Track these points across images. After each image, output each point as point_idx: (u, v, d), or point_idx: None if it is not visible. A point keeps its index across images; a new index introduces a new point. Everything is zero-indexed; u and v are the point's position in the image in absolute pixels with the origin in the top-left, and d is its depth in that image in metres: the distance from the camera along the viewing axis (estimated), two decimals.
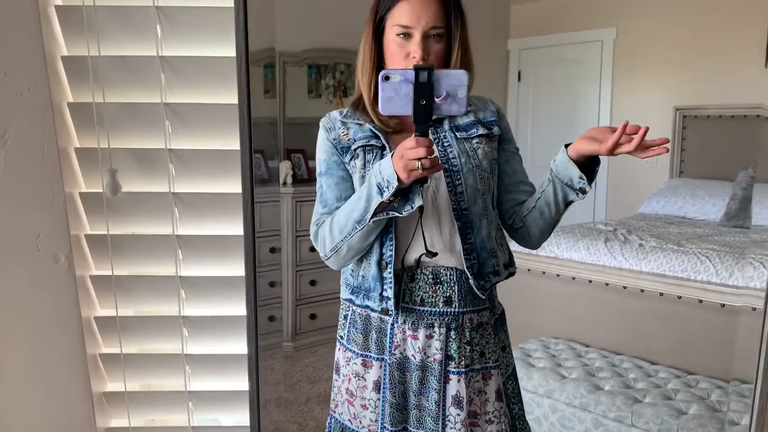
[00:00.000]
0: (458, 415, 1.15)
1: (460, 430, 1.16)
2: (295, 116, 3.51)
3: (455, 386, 1.15)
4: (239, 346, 1.08)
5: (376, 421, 1.18)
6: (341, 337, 1.23)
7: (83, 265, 1.10)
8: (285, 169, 3.39)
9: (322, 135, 1.19)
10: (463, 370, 1.15)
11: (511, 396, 1.27)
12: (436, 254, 1.11)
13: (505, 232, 1.24)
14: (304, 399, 2.92)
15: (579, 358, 2.80)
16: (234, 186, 1.06)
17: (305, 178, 3.34)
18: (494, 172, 1.17)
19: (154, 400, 1.14)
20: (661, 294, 2.71)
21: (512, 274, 1.23)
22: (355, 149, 1.15)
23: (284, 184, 3.40)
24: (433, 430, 1.16)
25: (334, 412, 1.26)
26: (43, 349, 1.09)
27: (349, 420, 1.22)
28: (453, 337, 1.14)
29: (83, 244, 1.10)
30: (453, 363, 1.15)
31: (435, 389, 1.15)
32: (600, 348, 2.90)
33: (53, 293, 1.07)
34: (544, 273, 3.11)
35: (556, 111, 4.45)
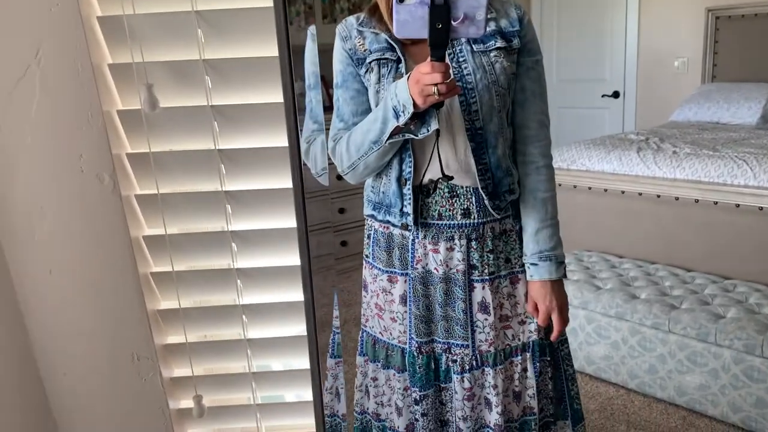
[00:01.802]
0: (486, 319, 1.19)
1: (489, 333, 1.20)
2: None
3: (480, 293, 1.19)
4: (289, 258, 1.09)
5: (405, 332, 1.23)
6: (366, 256, 1.26)
7: (127, 185, 1.10)
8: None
9: (338, 44, 1.17)
10: (487, 277, 1.18)
11: None
12: (452, 178, 1.12)
13: None
14: (342, 322, 3.00)
15: (613, 269, 2.81)
16: (272, 96, 1.04)
17: (326, 105, 3.30)
18: (511, 87, 1.14)
19: (208, 315, 1.17)
20: (697, 201, 2.68)
21: None
22: (370, 62, 1.13)
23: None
24: (462, 336, 1.20)
25: (365, 326, 1.30)
26: (96, 270, 1.11)
27: (380, 333, 1.26)
28: (474, 247, 1.16)
29: (125, 164, 1.09)
30: (476, 272, 1.18)
31: (461, 298, 1.19)
32: (634, 258, 2.90)
33: (100, 214, 1.08)
34: (575, 187, 3.08)
35: (582, 17, 4.29)
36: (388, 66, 1.11)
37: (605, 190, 3.04)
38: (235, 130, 1.07)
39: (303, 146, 1.17)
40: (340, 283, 3.40)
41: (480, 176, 1.12)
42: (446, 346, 1.22)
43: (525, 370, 1.21)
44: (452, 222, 1.15)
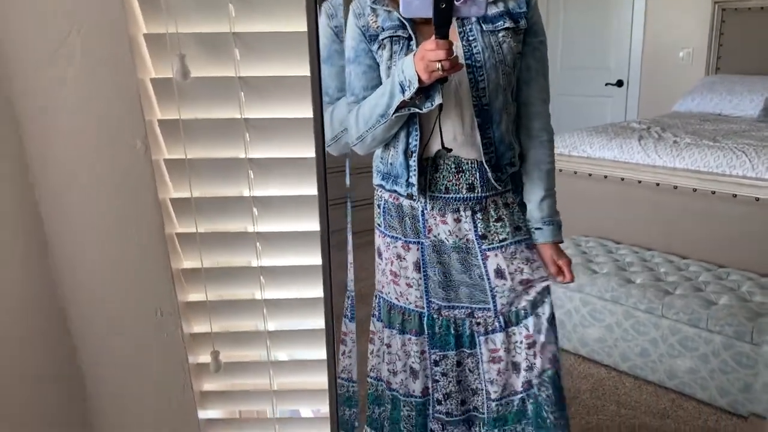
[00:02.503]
0: (503, 284, 1.30)
1: (509, 296, 1.30)
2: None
3: (494, 261, 1.29)
4: (307, 224, 1.18)
5: (421, 297, 1.33)
6: (378, 225, 1.35)
7: (157, 150, 1.19)
8: None
9: (351, 21, 1.25)
10: (498, 245, 1.28)
11: None
12: (450, 150, 1.22)
13: None
14: (344, 298, 3.10)
15: (610, 254, 2.91)
16: (298, 69, 1.12)
17: None
18: (517, 66, 1.23)
19: (228, 275, 1.26)
20: (695, 190, 2.78)
21: None
22: (383, 39, 1.21)
23: None
24: (482, 300, 1.31)
25: (381, 292, 1.39)
26: (125, 228, 1.20)
27: (396, 298, 1.35)
28: (480, 218, 1.27)
29: (156, 130, 1.18)
30: (486, 241, 1.28)
31: (476, 266, 1.29)
32: (631, 245, 3.01)
33: (132, 176, 1.17)
34: (575, 173, 3.18)
35: (588, 5, 4.36)
36: (399, 43, 1.20)
37: (605, 177, 3.13)
38: (260, 100, 1.15)
39: None
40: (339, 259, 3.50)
41: (484, 149, 1.22)
42: (469, 311, 1.32)
43: (544, 322, 1.33)
44: (458, 195, 1.25)
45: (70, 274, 1.25)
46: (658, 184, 2.94)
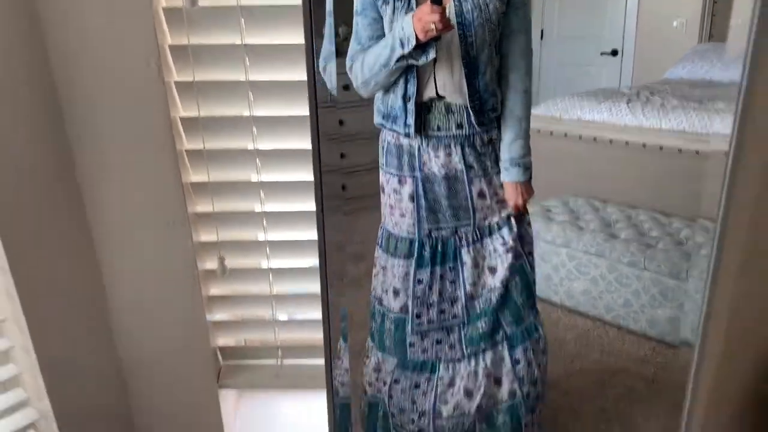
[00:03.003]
0: (483, 202, 1.53)
1: (485, 212, 1.54)
2: None
3: (478, 185, 1.52)
4: (303, 142, 1.35)
5: (413, 225, 1.54)
6: (382, 164, 1.58)
7: (168, 73, 1.36)
8: None
9: None
10: (481, 174, 1.51)
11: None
12: (443, 98, 1.43)
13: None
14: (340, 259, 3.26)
15: (597, 212, 3.06)
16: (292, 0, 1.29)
17: None
18: (501, 23, 1.43)
19: (232, 189, 1.44)
20: (680, 150, 2.91)
21: None
22: None
23: None
24: (466, 218, 1.53)
25: (384, 224, 1.62)
26: (141, 143, 1.38)
27: (392, 227, 1.57)
28: (468, 152, 1.49)
29: (167, 54, 1.35)
30: (473, 171, 1.50)
31: (463, 190, 1.52)
32: (618, 203, 3.15)
33: (146, 94, 1.34)
34: (566, 135, 3.32)
35: None
36: (402, 1, 1.37)
37: (594, 139, 3.26)
38: (260, 27, 1.33)
39: (321, 64, 1.41)
40: (340, 224, 3.66)
41: (470, 96, 1.42)
42: (454, 229, 1.54)
43: (512, 234, 1.54)
44: (448, 133, 1.46)
45: (91, 186, 1.44)
46: (644, 145, 3.06)
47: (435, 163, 1.48)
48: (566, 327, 2.81)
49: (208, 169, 1.44)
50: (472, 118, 1.43)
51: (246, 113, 1.41)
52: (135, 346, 1.60)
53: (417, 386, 1.60)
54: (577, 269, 2.85)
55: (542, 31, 4.14)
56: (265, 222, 1.48)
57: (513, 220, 1.53)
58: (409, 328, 1.58)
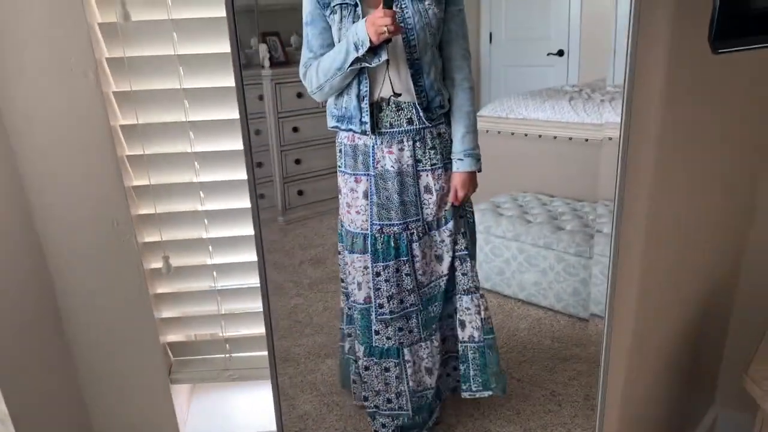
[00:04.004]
0: (429, 198, 1.67)
1: (433, 208, 1.68)
2: (267, 3, 3.75)
3: (425, 180, 1.66)
4: (238, 144, 1.46)
5: (366, 221, 1.68)
6: (339, 166, 1.72)
7: (105, 84, 1.47)
8: (262, 52, 3.66)
9: None
10: (429, 168, 1.65)
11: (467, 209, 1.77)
12: (400, 95, 1.57)
13: None
14: (298, 262, 3.35)
15: (544, 206, 3.21)
16: (222, 11, 1.41)
17: (282, 61, 3.60)
18: (440, 28, 1.58)
19: (173, 191, 1.55)
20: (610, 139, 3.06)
21: None
22: (334, 6, 1.55)
23: (262, 67, 3.68)
24: (415, 214, 1.68)
25: (342, 222, 1.74)
26: (83, 150, 1.47)
27: (349, 224, 1.70)
28: (418, 146, 1.62)
29: (104, 66, 1.46)
30: (421, 164, 1.64)
31: (411, 185, 1.65)
32: (564, 197, 3.30)
33: (86, 105, 1.45)
34: (513, 134, 3.46)
35: None
36: (348, 9, 1.53)
37: (539, 136, 3.40)
38: (191, 39, 1.44)
39: (301, 70, 1.60)
40: (296, 229, 3.76)
41: (417, 94, 1.56)
42: (404, 225, 1.67)
43: (455, 227, 1.70)
44: (400, 129, 1.59)
45: (38, 193, 1.53)
46: (587, 140, 3.21)
47: (388, 159, 1.60)
48: (519, 317, 2.94)
49: (149, 173, 1.55)
50: (421, 114, 1.56)
51: (183, 119, 1.52)
52: (86, 346, 1.69)
53: (387, 370, 1.74)
54: (527, 261, 2.97)
55: (491, 34, 4.30)
56: (206, 221, 1.59)
57: (455, 211, 1.68)
58: (373, 316, 1.71)
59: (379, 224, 1.66)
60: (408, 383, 1.77)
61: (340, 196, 1.71)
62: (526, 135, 3.43)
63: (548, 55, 4.67)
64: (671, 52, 1.24)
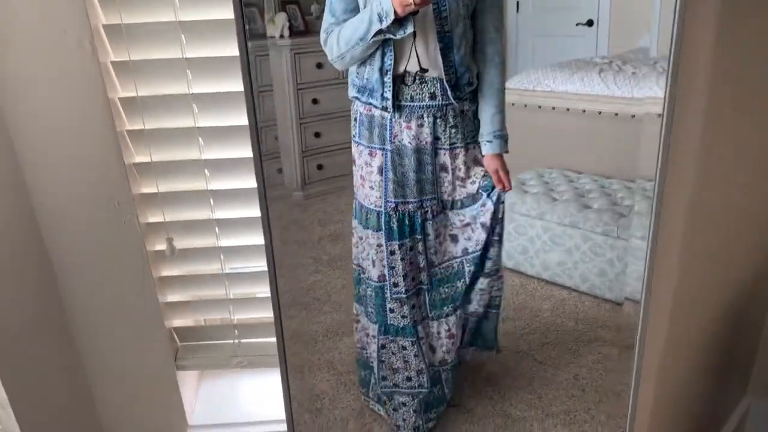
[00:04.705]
0: (446, 176, 1.55)
1: (448, 187, 1.57)
2: None
3: (442, 158, 1.53)
4: (244, 118, 1.33)
5: (380, 197, 1.56)
6: (354, 136, 1.58)
7: (103, 53, 1.34)
8: (281, 21, 3.51)
9: None
10: (447, 147, 1.52)
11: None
12: (427, 71, 1.43)
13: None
14: (317, 238, 3.26)
15: (570, 183, 3.05)
16: None
17: (302, 30, 3.45)
18: None
19: (176, 168, 1.43)
20: (660, 116, 2.89)
21: None
22: None
23: (281, 36, 3.53)
24: (431, 192, 1.56)
25: (356, 195, 1.63)
26: (80, 125, 1.35)
27: (363, 199, 1.59)
28: (439, 123, 1.48)
29: (102, 34, 1.33)
30: (440, 142, 1.51)
31: (429, 163, 1.52)
32: (592, 173, 3.15)
33: (82, 76, 1.32)
34: (540, 107, 3.29)
35: None
36: None
37: (567, 110, 3.25)
38: (194, 4, 1.30)
39: (322, 36, 1.46)
40: (315, 204, 3.66)
41: (445, 70, 1.42)
42: (419, 204, 1.56)
43: (483, 212, 1.57)
44: (422, 103, 1.46)
45: (34, 169, 1.42)
46: (617, 114, 3.05)
47: (406, 134, 1.48)
48: (542, 298, 2.82)
49: (150, 150, 1.42)
50: (449, 92, 1.43)
51: (185, 91, 1.39)
52: (88, 331, 1.60)
53: (404, 348, 1.65)
54: (552, 240, 2.85)
55: (518, 3, 4.11)
56: (212, 200, 1.47)
57: (483, 194, 1.55)
58: (388, 294, 1.60)
59: (394, 201, 1.54)
60: (425, 360, 1.68)
61: (354, 167, 1.59)
62: (553, 108, 3.26)
63: (577, 25, 4.44)
64: (721, 21, 1.08)
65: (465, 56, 1.44)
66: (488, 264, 1.64)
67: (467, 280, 1.65)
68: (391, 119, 1.47)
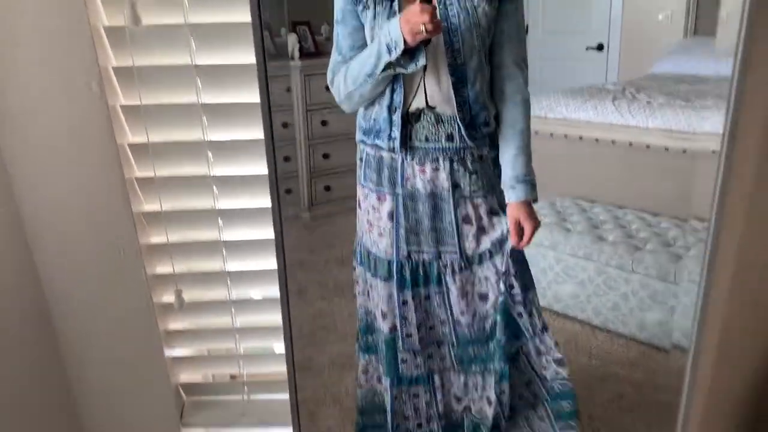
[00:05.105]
0: (469, 229, 1.39)
1: (472, 241, 1.40)
2: None
3: (464, 209, 1.38)
4: (262, 168, 1.23)
5: (391, 245, 1.40)
6: (359, 178, 1.43)
7: (113, 96, 1.23)
8: (291, 42, 3.42)
9: None
10: (468, 195, 1.36)
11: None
12: (434, 108, 1.29)
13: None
14: (323, 261, 3.16)
15: (584, 213, 2.97)
16: (244, 15, 1.16)
17: (312, 52, 3.36)
18: (491, 30, 1.29)
19: (188, 218, 1.32)
20: (667, 149, 2.81)
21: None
22: (367, 1, 1.26)
23: (291, 58, 3.44)
24: (452, 244, 1.40)
25: (362, 240, 1.47)
26: (86, 172, 1.25)
27: (371, 246, 1.44)
28: (456, 168, 1.34)
29: (111, 76, 1.23)
30: (459, 191, 1.36)
31: (449, 212, 1.37)
32: (605, 203, 3.06)
33: (89, 120, 1.22)
34: (551, 135, 3.21)
35: None
36: (383, 4, 1.25)
37: (580, 138, 3.17)
38: (210, 46, 1.20)
39: (329, 76, 1.35)
40: (322, 226, 3.56)
41: (458, 108, 1.28)
42: (437, 254, 1.41)
43: (505, 263, 1.39)
44: (437, 145, 1.32)
45: (35, 218, 1.31)
46: (631, 144, 2.98)
47: (420, 178, 1.34)
48: (554, 331, 2.71)
49: (160, 198, 1.32)
50: (463, 132, 1.29)
51: (200, 137, 1.29)
52: (90, 387, 1.49)
53: (416, 396, 1.53)
54: (565, 272, 2.76)
55: (527, 26, 4.03)
56: (224, 251, 1.36)
57: (506, 246, 1.38)
58: (399, 345, 1.47)
59: (407, 249, 1.40)
60: (438, 407, 1.55)
61: (359, 210, 1.45)
62: (566, 136, 3.18)
63: (587, 49, 4.38)
64: None
65: (480, 93, 1.29)
66: (523, 322, 1.44)
67: (501, 339, 1.44)
68: (402, 161, 1.34)
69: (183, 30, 1.21)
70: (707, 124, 2.75)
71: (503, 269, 1.40)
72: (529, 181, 1.35)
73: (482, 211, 1.38)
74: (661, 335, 2.46)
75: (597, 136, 3.05)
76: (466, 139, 1.30)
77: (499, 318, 1.44)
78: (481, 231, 1.39)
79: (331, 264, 3.17)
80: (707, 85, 3.33)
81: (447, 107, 1.29)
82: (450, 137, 1.31)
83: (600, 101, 3.11)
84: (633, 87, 3.27)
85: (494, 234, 1.40)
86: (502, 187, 1.36)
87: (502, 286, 1.41)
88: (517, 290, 1.41)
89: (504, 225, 1.39)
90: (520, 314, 1.43)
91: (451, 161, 1.33)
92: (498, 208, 1.40)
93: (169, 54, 1.23)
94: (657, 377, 2.41)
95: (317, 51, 3.27)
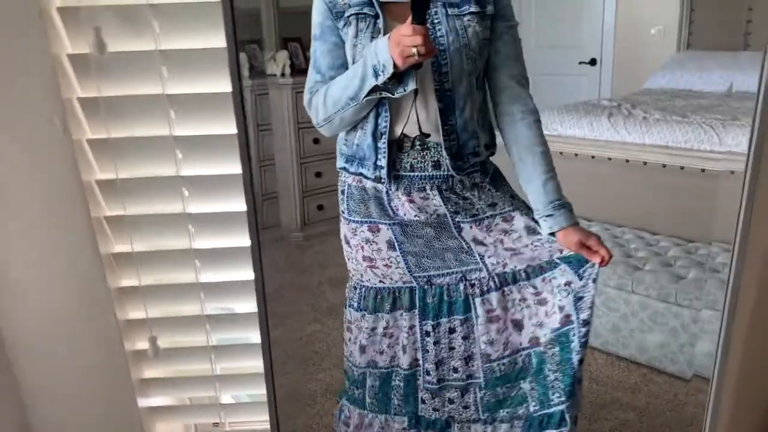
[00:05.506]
0: (486, 250, 1.25)
1: (496, 259, 1.25)
2: (288, 5, 3.43)
3: (470, 232, 1.24)
4: (238, 204, 1.12)
5: (406, 272, 1.28)
6: (343, 212, 1.29)
7: (78, 130, 1.12)
8: (282, 59, 3.32)
9: None
10: (470, 219, 1.23)
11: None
12: (429, 135, 1.17)
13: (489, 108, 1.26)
14: (317, 282, 3.04)
15: None
16: (217, 41, 1.06)
17: (303, 68, 3.26)
18: (483, 52, 1.18)
19: (161, 259, 1.21)
20: (664, 165, 2.73)
21: (492, 154, 1.26)
22: (348, 16, 1.15)
23: (282, 75, 3.35)
24: (473, 263, 1.26)
25: (362, 281, 1.32)
26: (49, 212, 1.14)
27: (380, 281, 1.29)
28: (446, 195, 1.21)
29: (76, 108, 1.11)
30: (459, 216, 1.23)
31: (452, 237, 1.24)
32: (602, 222, 2.96)
33: (52, 157, 1.11)
34: None
35: None
36: (366, 21, 1.14)
37: (576, 155, 3.09)
38: (182, 74, 1.09)
39: (306, 96, 1.21)
40: (315, 246, 3.46)
41: (445, 136, 1.16)
42: (461, 275, 1.27)
43: (558, 284, 1.23)
44: (423, 173, 1.19)
45: None
46: (627, 161, 2.90)
47: (409, 208, 1.21)
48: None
49: (131, 238, 1.20)
50: (448, 162, 1.17)
51: (173, 173, 1.17)
52: None
53: None
54: None
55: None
56: (202, 294, 1.25)
57: (563, 264, 1.23)
58: (420, 382, 1.33)
59: (425, 275, 1.26)
60: None
61: (348, 249, 1.29)
62: (561, 153, 3.08)
63: (580, 63, 4.30)
64: None
65: (470, 120, 1.17)
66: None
67: (536, 380, 1.28)
68: (387, 192, 1.21)
69: (153, 57, 1.10)
70: (705, 141, 2.66)
71: (563, 302, 1.22)
72: (564, 204, 1.22)
73: (494, 233, 1.23)
74: (662, 358, 2.36)
75: (593, 152, 2.96)
76: (451, 169, 1.18)
77: (534, 355, 1.27)
78: (508, 250, 1.24)
79: (324, 285, 3.06)
80: (702, 99, 3.26)
81: (435, 135, 1.17)
82: (437, 165, 1.19)
83: (595, 117, 3.02)
84: (628, 103, 3.19)
85: (531, 246, 1.23)
86: (536, 216, 1.21)
87: (543, 311, 1.24)
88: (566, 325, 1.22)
89: (545, 244, 1.23)
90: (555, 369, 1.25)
91: (439, 189, 1.20)
92: (528, 227, 1.24)
93: (139, 83, 1.12)
94: (659, 401, 2.31)
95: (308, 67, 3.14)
